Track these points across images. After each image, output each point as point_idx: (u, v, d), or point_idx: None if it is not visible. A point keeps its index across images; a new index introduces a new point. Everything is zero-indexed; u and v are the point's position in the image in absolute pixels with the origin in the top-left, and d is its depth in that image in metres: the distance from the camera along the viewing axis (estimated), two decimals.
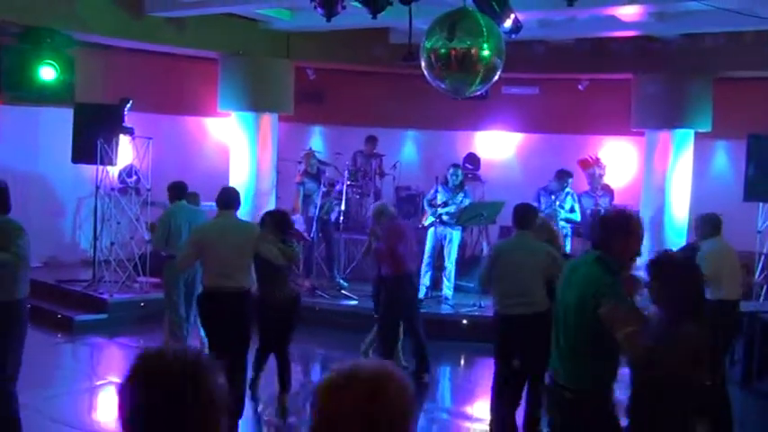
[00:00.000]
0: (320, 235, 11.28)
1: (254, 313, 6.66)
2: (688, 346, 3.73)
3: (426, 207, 10.65)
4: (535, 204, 10.00)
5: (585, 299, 3.91)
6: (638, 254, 4.15)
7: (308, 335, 9.76)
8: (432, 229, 10.40)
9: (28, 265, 5.51)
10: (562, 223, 10.13)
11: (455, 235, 10.43)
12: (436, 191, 10.42)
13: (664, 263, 4.00)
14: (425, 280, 10.39)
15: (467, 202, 10.39)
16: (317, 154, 12.02)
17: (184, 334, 8.11)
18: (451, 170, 10.49)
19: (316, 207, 10.98)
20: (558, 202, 10.31)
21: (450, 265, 10.46)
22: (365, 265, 12.32)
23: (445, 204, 10.30)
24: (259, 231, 6.66)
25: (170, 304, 8.14)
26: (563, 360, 4.12)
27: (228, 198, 6.65)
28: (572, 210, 10.30)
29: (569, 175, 10.55)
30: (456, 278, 10.69)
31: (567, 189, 10.49)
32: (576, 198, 10.52)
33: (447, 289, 10.44)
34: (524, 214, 6.32)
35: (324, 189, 11.10)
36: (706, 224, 6.85)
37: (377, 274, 8.26)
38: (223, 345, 6.02)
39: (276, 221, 6.93)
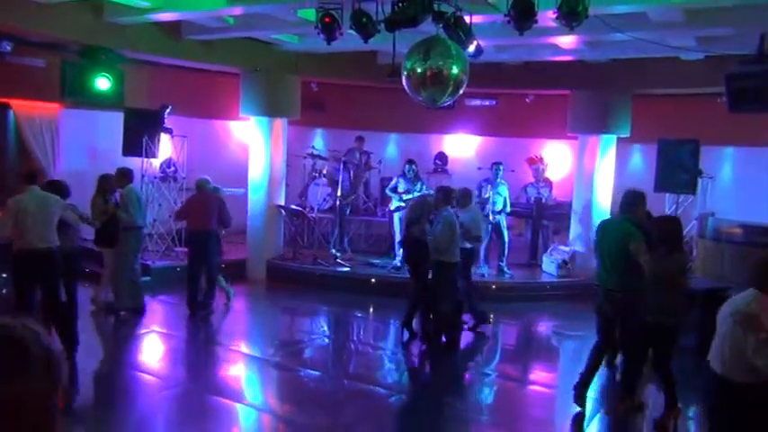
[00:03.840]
0: (335, 215, 11.28)
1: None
2: (675, 264, 5.23)
3: (390, 194, 10.61)
4: (476, 192, 10.18)
5: (621, 241, 5.40)
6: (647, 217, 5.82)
7: (310, 294, 9.84)
8: (398, 213, 10.38)
9: None
10: (499, 205, 10.19)
11: None
12: (397, 181, 10.53)
13: (663, 220, 5.62)
14: (400, 252, 10.42)
15: (424, 189, 10.38)
16: (315, 151, 11.97)
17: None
18: (407, 166, 10.50)
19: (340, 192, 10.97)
20: (491, 190, 10.23)
21: None
22: (356, 238, 12.39)
23: (408, 192, 10.28)
24: (62, 201, 6.46)
25: (131, 268, 8.17)
26: (611, 275, 5.53)
27: (31, 175, 6.58)
28: (505, 201, 10.27)
29: (498, 163, 10.45)
30: None
31: (501, 180, 10.32)
32: (508, 187, 10.47)
33: None
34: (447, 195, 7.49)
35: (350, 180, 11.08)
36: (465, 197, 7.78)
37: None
38: (32, 294, 6.19)
39: (58, 188, 6.74)
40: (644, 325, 5.33)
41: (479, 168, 11.32)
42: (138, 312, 8.34)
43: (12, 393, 1.12)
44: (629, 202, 5.62)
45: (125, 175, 8.12)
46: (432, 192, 10.45)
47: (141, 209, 8.21)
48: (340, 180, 11.18)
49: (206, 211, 8.53)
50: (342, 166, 11.29)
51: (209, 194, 8.76)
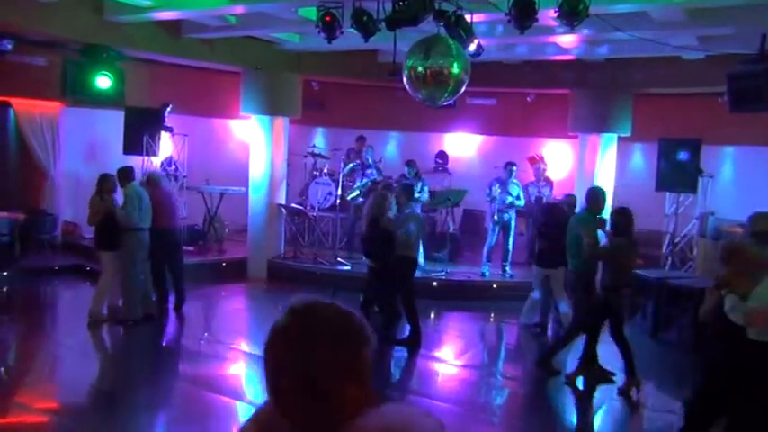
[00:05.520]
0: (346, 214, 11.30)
1: None
2: (617, 248, 6.20)
3: None
4: (487, 191, 10.11)
5: (576, 228, 6.64)
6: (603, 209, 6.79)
7: (311, 293, 9.81)
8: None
9: None
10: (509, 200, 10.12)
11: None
12: None
13: (614, 211, 6.38)
14: None
15: (425, 188, 10.38)
16: (316, 150, 11.94)
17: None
18: (407, 168, 10.59)
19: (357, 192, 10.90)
20: (499, 188, 10.10)
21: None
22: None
23: None
24: None
25: (131, 272, 7.70)
26: (571, 259, 6.81)
27: None
28: (518, 197, 10.22)
29: (512, 164, 10.27)
30: (430, 250, 10.68)
31: (514, 179, 10.22)
32: (521, 187, 10.46)
33: (420, 258, 10.43)
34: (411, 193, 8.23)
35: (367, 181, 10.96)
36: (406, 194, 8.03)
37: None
38: None
39: None
40: (594, 299, 6.38)
41: (495, 167, 11.11)
42: (148, 320, 7.89)
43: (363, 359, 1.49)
44: (589, 197, 6.88)
45: (125, 173, 7.84)
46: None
47: (143, 209, 7.68)
48: (340, 178, 11.18)
49: (171, 208, 8.24)
50: (359, 165, 11.21)
51: (167, 190, 8.50)
